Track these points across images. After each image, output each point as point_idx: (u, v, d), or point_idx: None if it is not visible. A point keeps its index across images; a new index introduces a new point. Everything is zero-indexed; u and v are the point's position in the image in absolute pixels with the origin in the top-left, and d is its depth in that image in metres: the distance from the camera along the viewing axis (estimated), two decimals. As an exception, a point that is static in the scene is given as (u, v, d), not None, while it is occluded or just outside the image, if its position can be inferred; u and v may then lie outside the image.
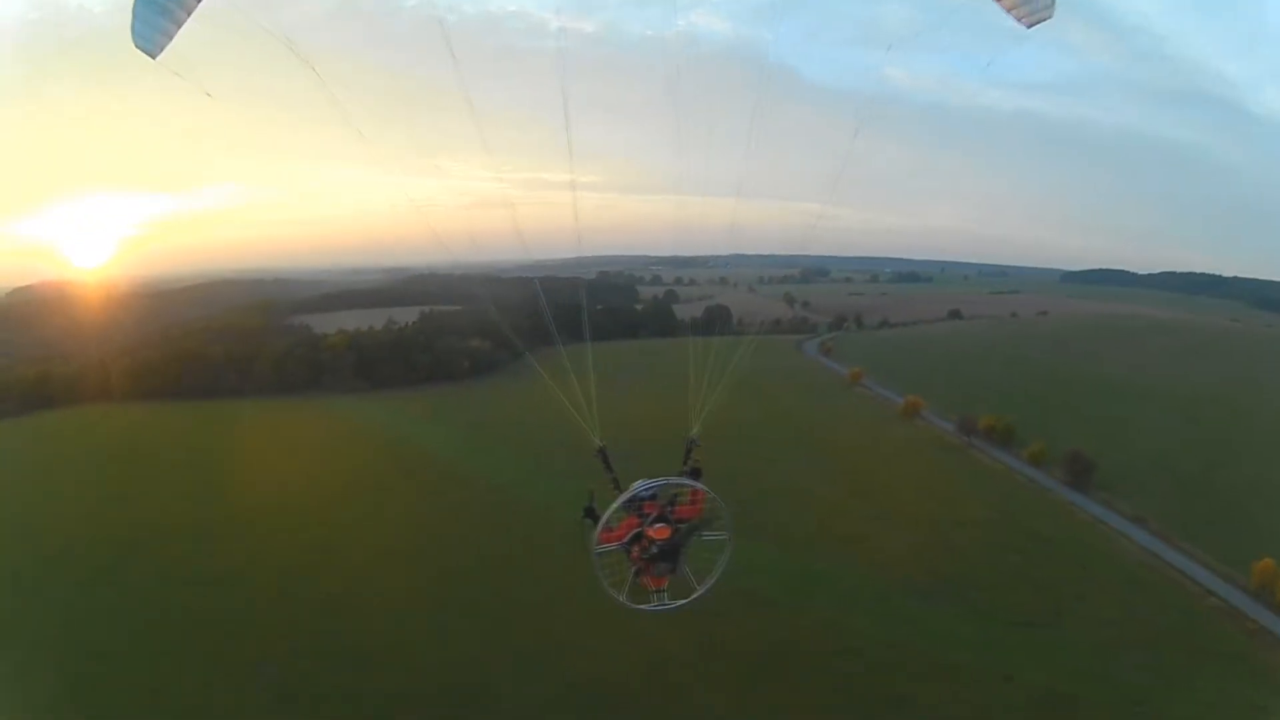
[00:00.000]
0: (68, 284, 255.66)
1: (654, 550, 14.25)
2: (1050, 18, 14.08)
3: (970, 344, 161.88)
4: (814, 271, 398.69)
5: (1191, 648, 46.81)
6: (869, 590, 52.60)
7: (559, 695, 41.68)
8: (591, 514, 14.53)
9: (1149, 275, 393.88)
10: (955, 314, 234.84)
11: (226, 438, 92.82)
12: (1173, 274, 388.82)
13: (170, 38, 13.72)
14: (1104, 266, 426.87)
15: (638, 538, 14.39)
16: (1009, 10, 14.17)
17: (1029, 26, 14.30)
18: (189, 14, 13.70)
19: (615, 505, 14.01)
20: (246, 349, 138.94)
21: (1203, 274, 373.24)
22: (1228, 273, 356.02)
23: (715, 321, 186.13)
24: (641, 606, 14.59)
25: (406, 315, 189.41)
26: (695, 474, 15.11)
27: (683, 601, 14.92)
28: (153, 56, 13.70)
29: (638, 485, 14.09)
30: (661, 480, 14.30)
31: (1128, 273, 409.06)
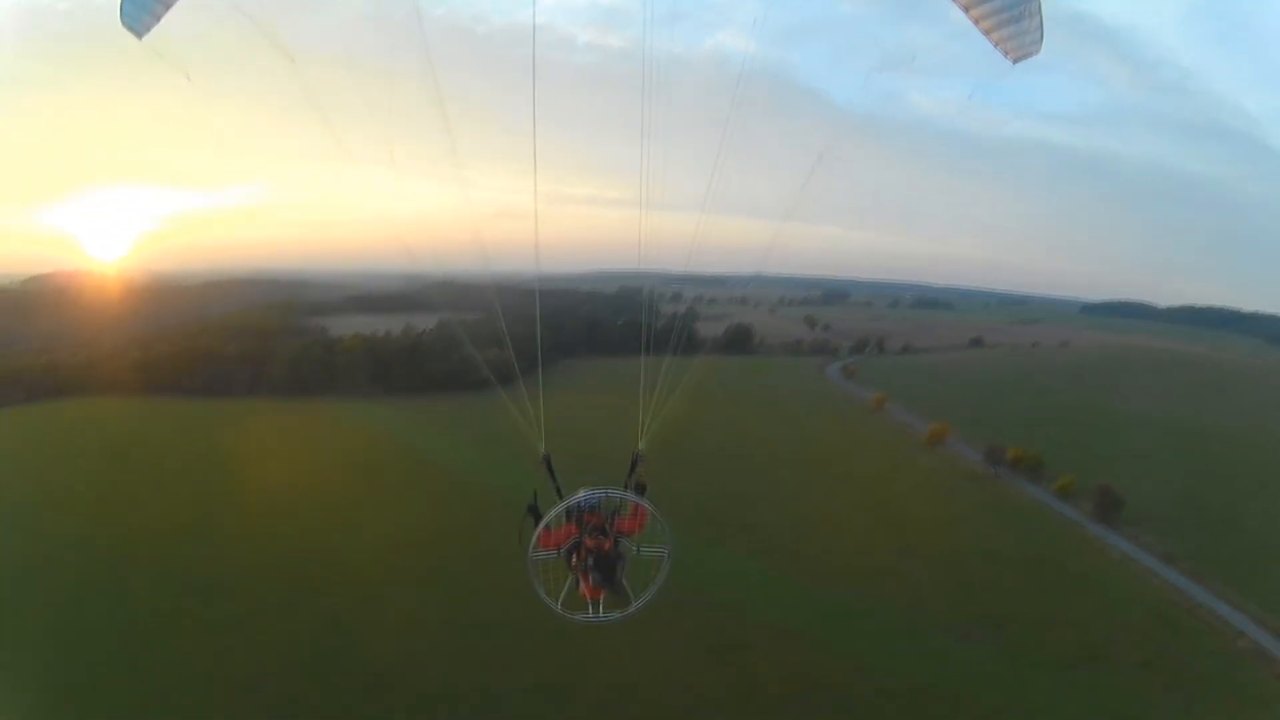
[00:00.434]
0: (84, 275, 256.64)
1: (589, 561, 14.14)
2: (1037, 53, 13.88)
3: (993, 372, 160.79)
4: (834, 294, 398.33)
5: (1229, 693, 45.48)
6: (901, 626, 51.08)
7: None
8: (535, 512, 14.34)
9: (1168, 309, 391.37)
10: (977, 342, 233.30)
11: (234, 438, 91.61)
12: (1192, 308, 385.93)
13: (158, 19, 13.83)
14: (1123, 299, 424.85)
15: (576, 546, 14.29)
16: (996, 45, 14.02)
17: (1014, 62, 14.14)
18: (178, -3, 13.96)
19: (558, 509, 13.95)
20: (261, 348, 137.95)
21: (1222, 309, 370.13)
22: (1247, 308, 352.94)
23: (737, 341, 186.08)
24: (576, 616, 14.41)
25: (424, 322, 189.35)
26: (641, 489, 14.84)
27: (617, 615, 14.58)
28: (139, 36, 13.83)
29: (582, 493, 14.07)
30: (604, 491, 14.16)
31: (1147, 305, 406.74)
